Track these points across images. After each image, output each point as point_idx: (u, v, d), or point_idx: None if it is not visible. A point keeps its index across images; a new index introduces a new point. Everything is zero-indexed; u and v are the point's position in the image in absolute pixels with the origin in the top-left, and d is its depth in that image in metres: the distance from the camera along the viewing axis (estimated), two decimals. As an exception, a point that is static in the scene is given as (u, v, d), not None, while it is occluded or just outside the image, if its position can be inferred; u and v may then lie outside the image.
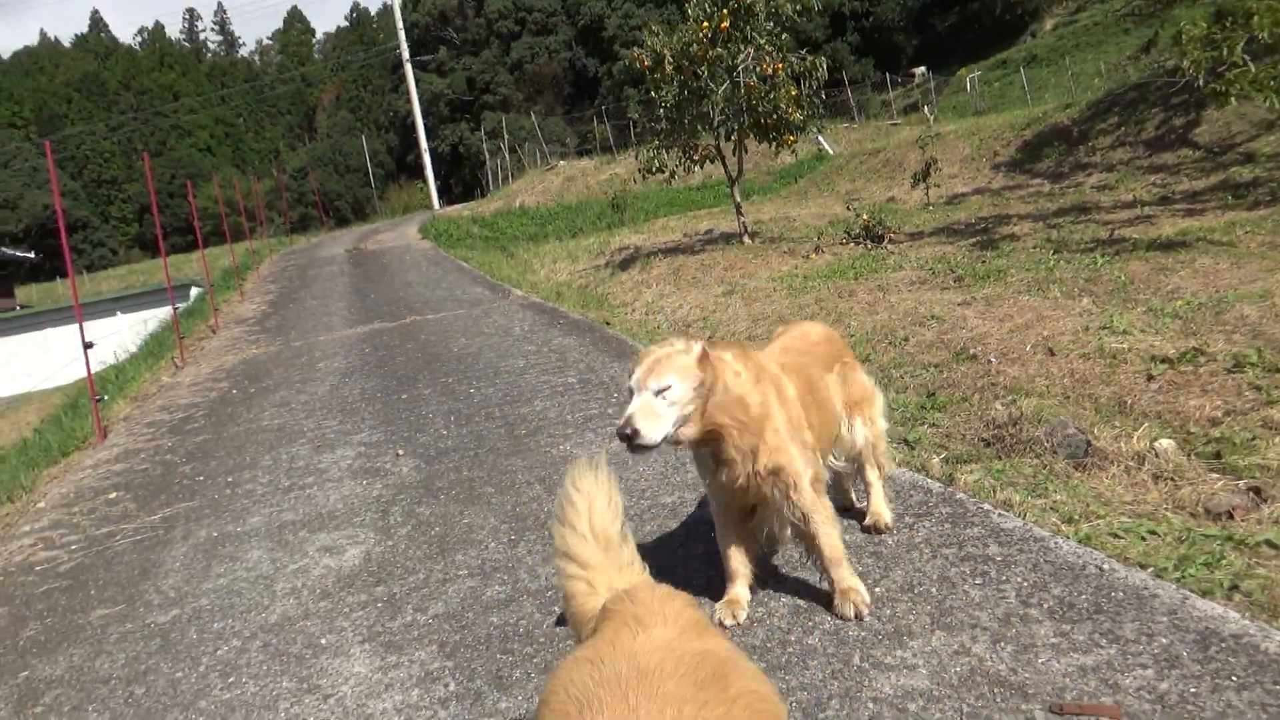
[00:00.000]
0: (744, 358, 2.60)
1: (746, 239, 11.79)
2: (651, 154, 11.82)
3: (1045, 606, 2.32)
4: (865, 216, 10.48)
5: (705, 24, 10.39)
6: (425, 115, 62.70)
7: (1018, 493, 3.31)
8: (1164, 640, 2.08)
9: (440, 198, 44.28)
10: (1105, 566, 2.48)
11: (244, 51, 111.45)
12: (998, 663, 2.13)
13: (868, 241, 10.18)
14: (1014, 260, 8.24)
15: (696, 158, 11.58)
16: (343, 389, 6.85)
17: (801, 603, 2.69)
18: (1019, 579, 2.48)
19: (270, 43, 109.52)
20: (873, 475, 3.17)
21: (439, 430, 4.85)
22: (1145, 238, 8.30)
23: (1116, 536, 2.87)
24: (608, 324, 7.76)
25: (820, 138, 24.92)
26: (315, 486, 4.68)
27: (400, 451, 4.90)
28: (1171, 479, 3.59)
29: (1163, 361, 4.91)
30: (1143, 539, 2.84)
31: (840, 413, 3.00)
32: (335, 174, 74.32)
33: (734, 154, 11.89)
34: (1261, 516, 3.27)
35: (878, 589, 2.61)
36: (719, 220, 14.86)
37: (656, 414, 2.32)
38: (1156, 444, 3.79)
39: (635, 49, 11.27)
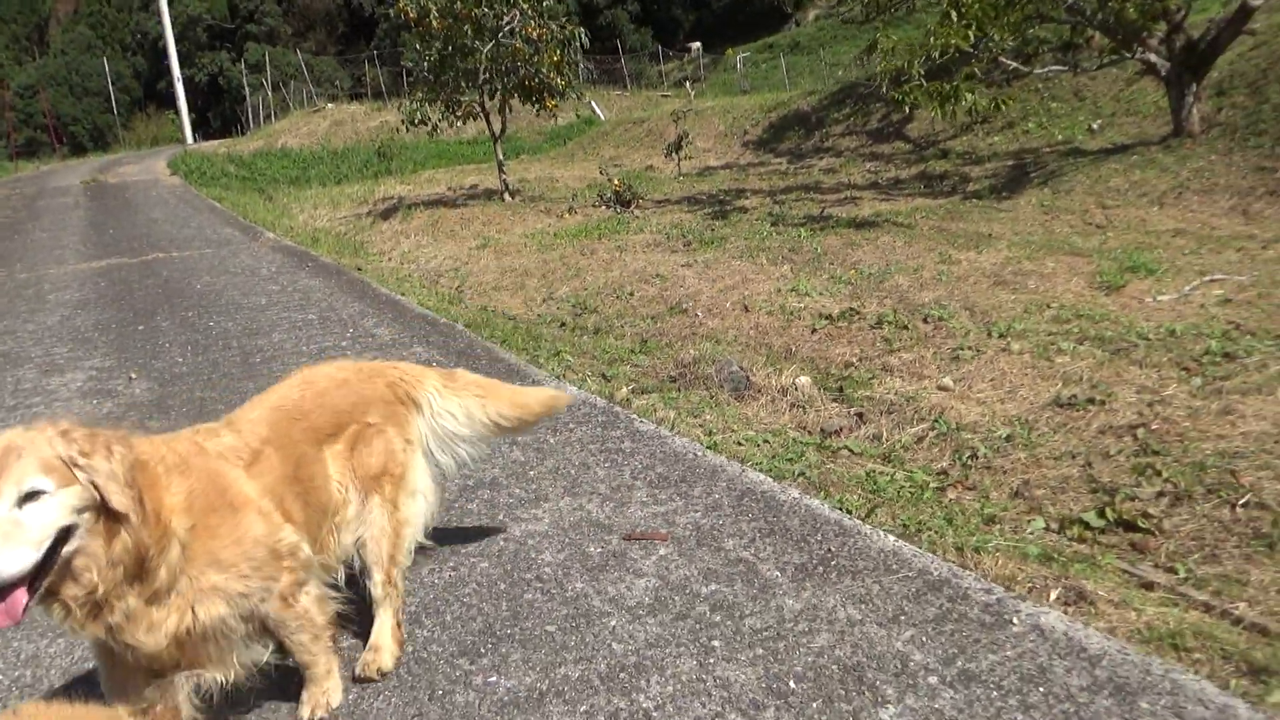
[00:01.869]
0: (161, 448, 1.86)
1: (507, 196, 12.23)
2: (415, 106, 11.96)
3: (647, 479, 3.09)
4: (616, 182, 11.22)
5: (470, -18, 10.65)
6: (180, 40, 57.39)
7: (677, 413, 4.06)
8: (716, 497, 2.91)
9: (196, 132, 41.11)
10: (699, 454, 3.28)
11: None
12: (599, 514, 2.86)
13: (617, 206, 10.93)
14: (737, 230, 9.24)
15: (459, 113, 11.84)
16: (75, 320, 6.68)
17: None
18: (636, 463, 3.23)
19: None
20: (380, 589, 2.26)
21: (174, 358, 5.00)
22: (847, 216, 9.57)
23: (739, 444, 3.67)
24: (359, 269, 8.00)
25: (593, 104, 25.62)
26: (42, 405, 4.72)
27: (134, 375, 5.00)
28: (803, 407, 4.49)
29: (825, 318, 5.92)
30: (756, 445, 3.66)
31: (345, 497, 2.22)
32: (71, 96, 66.49)
33: (499, 113, 12.24)
34: (859, 434, 4.23)
35: (531, 473, 3.26)
36: (485, 176, 15.17)
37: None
38: (797, 380, 4.69)
39: (399, 1, 11.33)
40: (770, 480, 2.97)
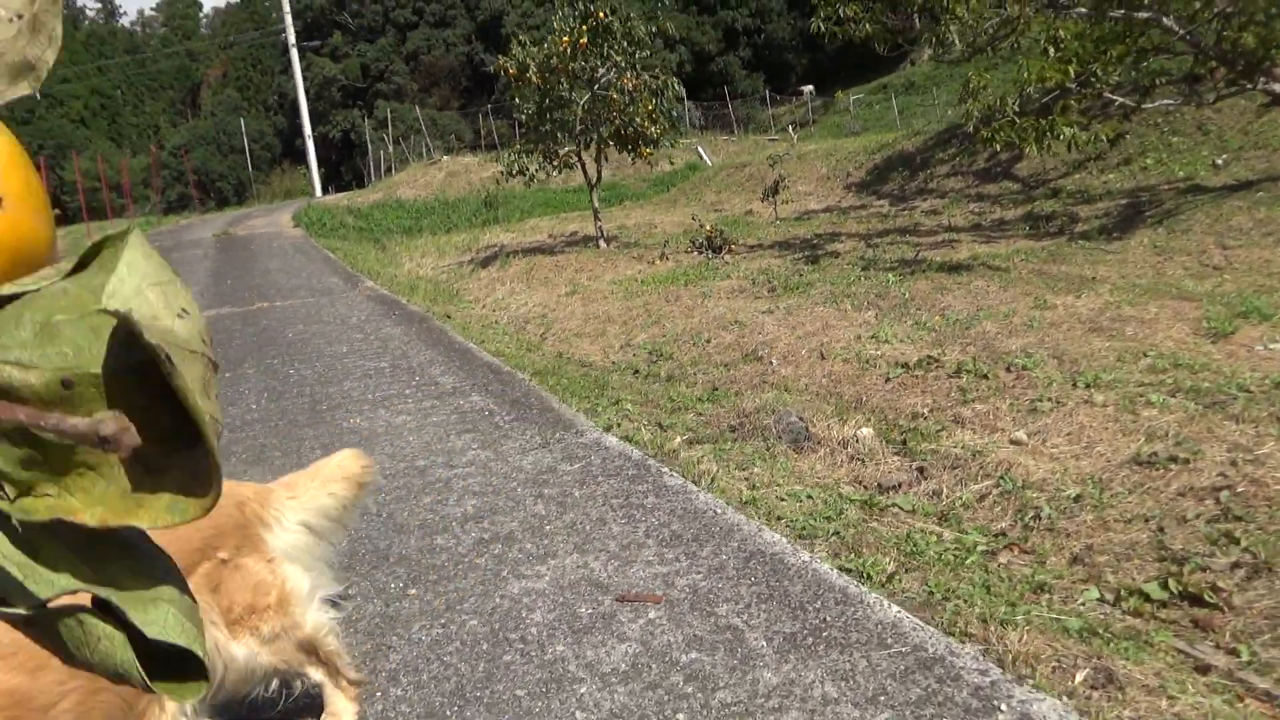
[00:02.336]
0: None
1: (602, 243, 12.42)
2: (513, 158, 12.33)
3: (660, 537, 3.01)
4: (708, 227, 11.23)
5: (566, 38, 10.96)
6: (317, 100, 61.02)
7: (724, 466, 3.98)
8: (724, 558, 2.80)
9: (330, 185, 43.42)
10: (719, 512, 3.18)
11: (125, 21, 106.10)
12: (602, 573, 2.80)
13: (709, 252, 10.93)
14: (825, 275, 9.09)
15: (556, 163, 12.14)
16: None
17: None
18: (654, 520, 3.16)
19: (154, 14, 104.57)
20: (329, 682, 2.17)
21: (249, 404, 5.25)
22: (941, 259, 9.28)
23: (780, 500, 3.56)
24: (448, 317, 8.24)
25: (700, 149, 25.85)
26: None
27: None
28: (863, 460, 4.34)
29: (902, 366, 5.72)
30: (799, 501, 3.54)
31: (226, 653, 1.97)
32: (219, 154, 71.66)
33: (595, 161, 12.49)
34: (918, 490, 4.04)
35: (547, 527, 3.22)
36: (586, 223, 15.45)
37: None
38: (859, 432, 4.54)
39: (501, 58, 11.76)
40: (784, 541, 2.85)
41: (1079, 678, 2.17)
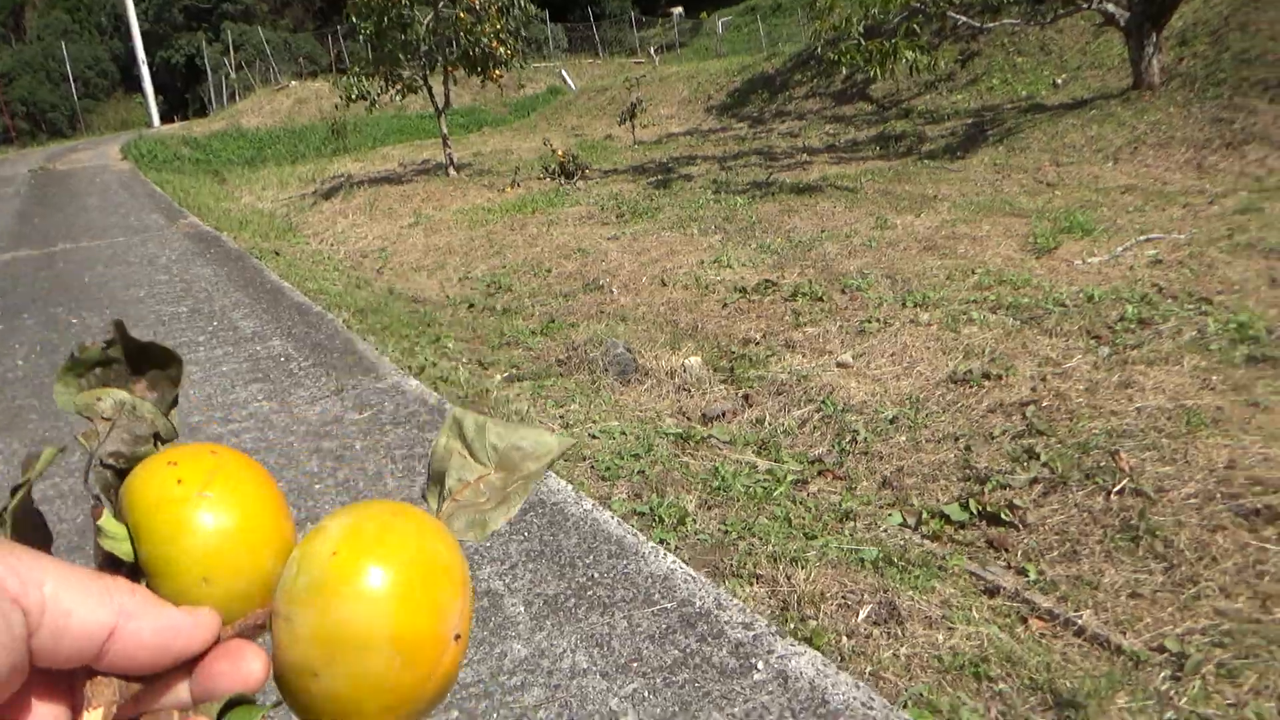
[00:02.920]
0: None
1: (452, 171, 11.86)
2: (352, 81, 11.55)
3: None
4: (560, 152, 10.85)
5: (402, -50, 10.22)
6: (157, 21, 56.40)
7: (537, 404, 3.77)
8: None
9: (174, 114, 40.23)
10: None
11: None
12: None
13: (561, 177, 10.57)
14: (676, 199, 8.90)
15: (399, 87, 11.43)
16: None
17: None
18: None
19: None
20: None
21: (15, 361, 4.69)
22: (792, 181, 9.22)
23: (593, 438, 3.38)
24: (276, 254, 7.67)
25: (563, 72, 25.10)
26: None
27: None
28: (689, 391, 4.20)
29: (740, 291, 5.61)
30: (611, 439, 3.37)
31: None
32: (48, 82, 65.48)
33: (442, 85, 11.84)
34: (742, 419, 3.94)
35: (317, 486, 2.90)
36: (440, 150, 14.78)
37: None
38: (687, 362, 4.40)
39: (330, -31, 10.87)
40: (569, 489, 2.66)
41: (862, 615, 2.08)
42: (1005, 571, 2.49)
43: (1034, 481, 2.94)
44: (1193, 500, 2.66)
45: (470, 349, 4.83)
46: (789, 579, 2.18)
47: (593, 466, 2.99)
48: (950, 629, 2.04)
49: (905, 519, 2.83)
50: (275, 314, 4.97)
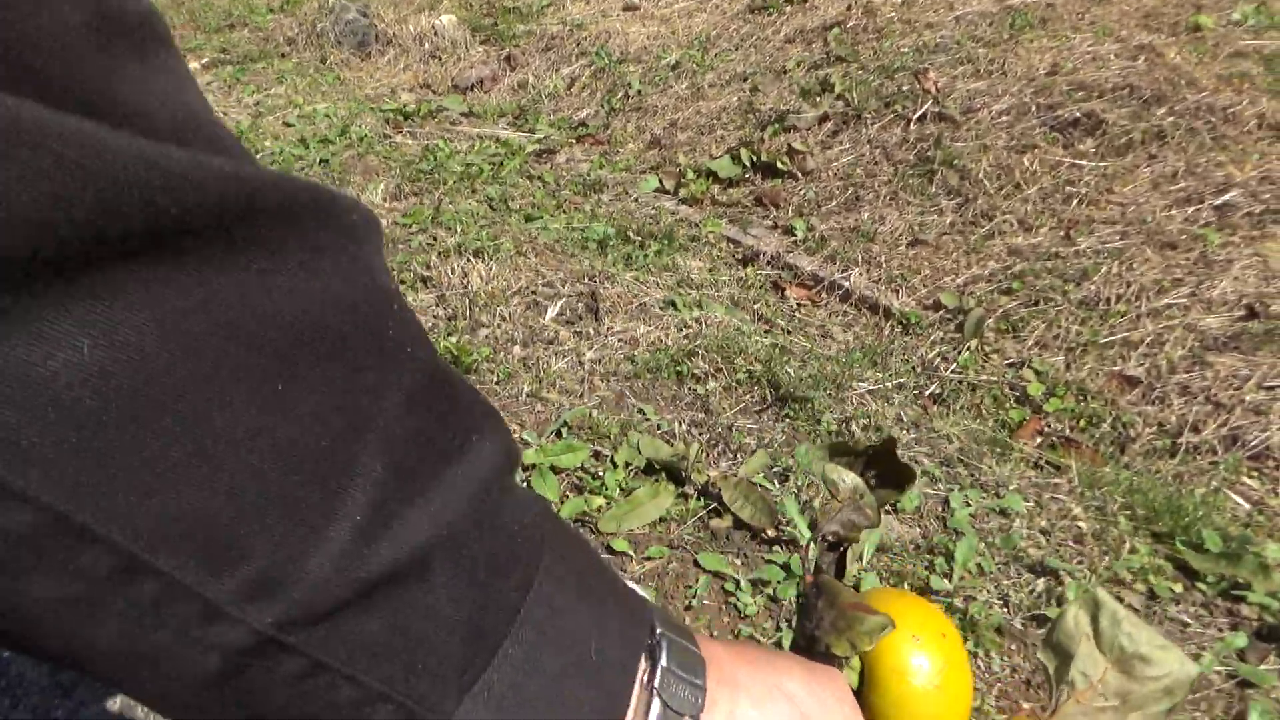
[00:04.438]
0: None
1: None
2: None
3: None
4: None
5: None
6: None
7: (229, 92, 2.96)
8: None
9: None
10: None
11: None
12: None
13: None
14: None
15: None
16: None
17: None
18: None
19: None
20: None
21: None
22: None
23: (286, 125, 2.64)
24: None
25: None
26: None
27: None
28: (439, 57, 3.41)
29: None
30: (311, 123, 2.63)
31: None
32: None
33: None
34: (502, 85, 3.22)
35: None
36: None
37: None
38: (437, 21, 3.55)
39: None
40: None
41: (552, 312, 1.56)
42: (769, 233, 1.98)
43: (823, 119, 2.38)
44: (1004, 118, 2.15)
45: (179, 36, 3.85)
46: (465, 279, 1.63)
47: (270, 158, 2.30)
48: (662, 319, 1.54)
49: (663, 183, 2.26)
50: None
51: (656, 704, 0.33)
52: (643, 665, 0.34)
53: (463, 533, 0.29)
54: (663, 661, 0.34)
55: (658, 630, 0.36)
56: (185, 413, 0.22)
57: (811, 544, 0.46)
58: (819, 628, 0.43)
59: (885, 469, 0.50)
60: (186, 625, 0.23)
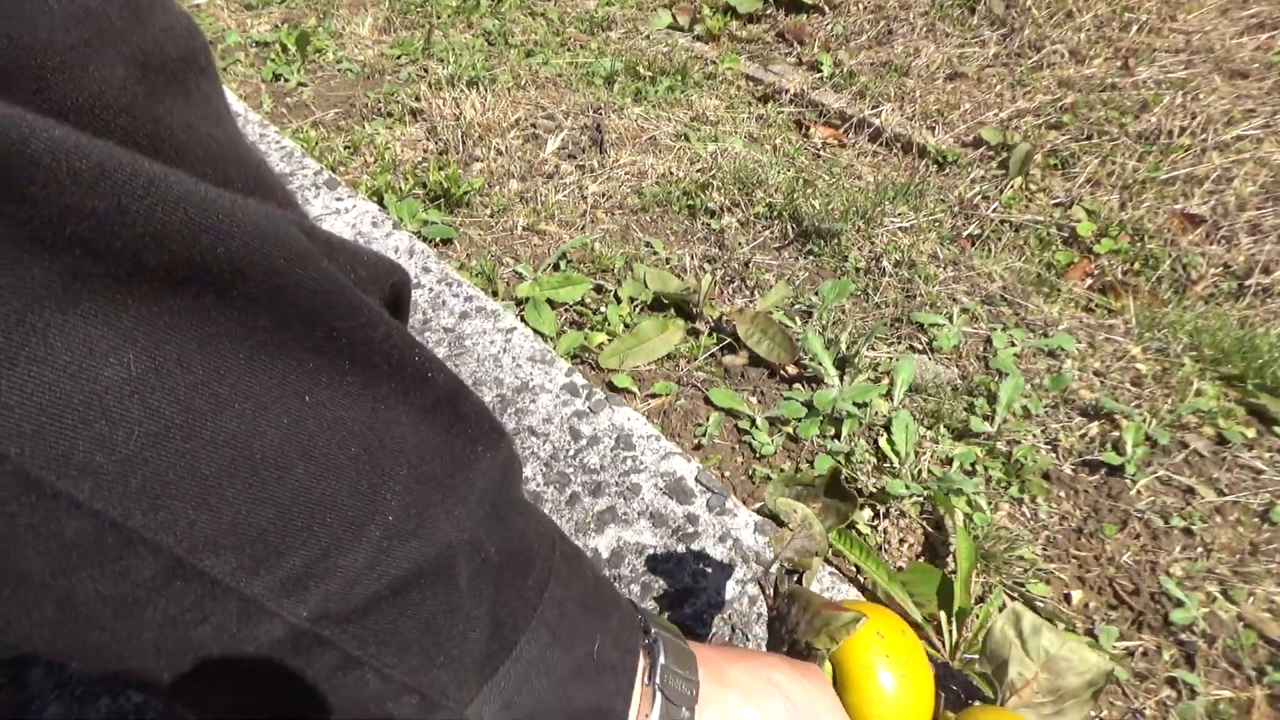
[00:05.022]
0: None
1: None
2: None
3: None
4: None
5: None
6: None
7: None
8: None
9: None
10: None
11: None
12: None
13: None
14: None
15: None
16: None
17: None
18: None
19: None
20: None
21: None
22: None
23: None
24: None
25: None
26: None
27: None
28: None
29: None
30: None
31: None
32: None
33: None
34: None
35: None
36: None
37: None
38: None
39: None
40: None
41: (552, 145, 1.41)
42: (793, 69, 1.80)
43: (855, -51, 2.16)
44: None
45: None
46: (458, 111, 1.48)
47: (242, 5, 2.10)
48: (674, 150, 1.39)
49: (676, 19, 2.07)
50: None
51: (659, 698, 0.36)
52: (642, 663, 0.37)
53: (482, 534, 0.31)
54: (661, 659, 0.37)
55: (652, 630, 0.38)
56: (228, 424, 0.23)
57: (775, 563, 0.51)
58: (797, 630, 0.46)
59: (834, 495, 0.55)
60: (226, 621, 0.24)
